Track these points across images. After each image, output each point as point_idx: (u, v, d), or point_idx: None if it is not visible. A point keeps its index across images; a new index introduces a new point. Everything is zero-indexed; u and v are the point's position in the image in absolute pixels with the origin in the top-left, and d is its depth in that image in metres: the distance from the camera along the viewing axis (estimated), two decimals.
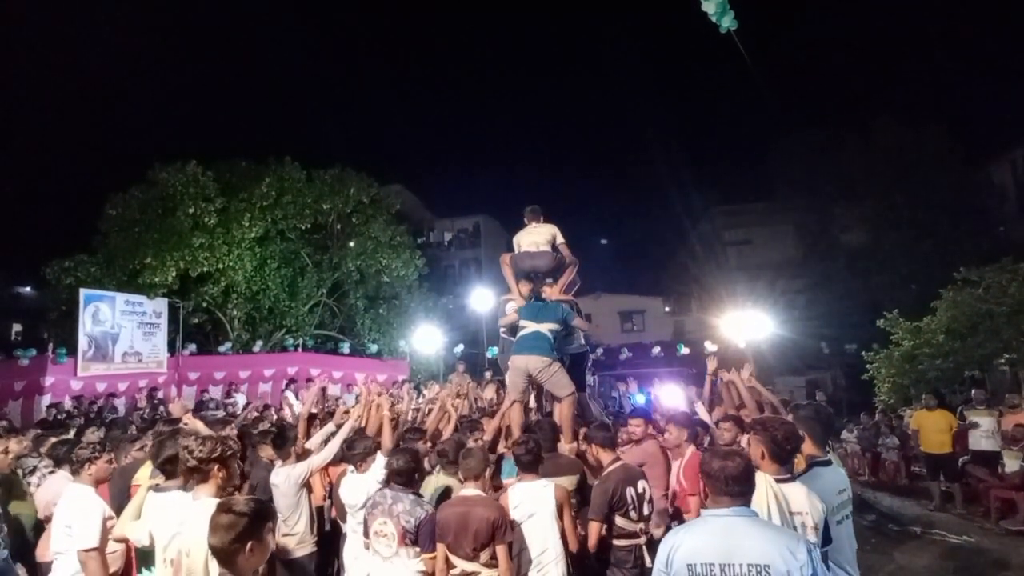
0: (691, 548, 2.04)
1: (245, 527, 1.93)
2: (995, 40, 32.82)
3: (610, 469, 3.56)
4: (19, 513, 3.97)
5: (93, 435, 5.42)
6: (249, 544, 1.94)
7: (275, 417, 7.79)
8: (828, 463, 2.83)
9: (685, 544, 2.07)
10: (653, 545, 3.48)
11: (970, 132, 26.05)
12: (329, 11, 71.71)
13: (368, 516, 3.31)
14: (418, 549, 3.21)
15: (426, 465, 4.32)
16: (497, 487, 3.90)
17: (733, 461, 2.14)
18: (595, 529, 3.41)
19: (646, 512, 3.49)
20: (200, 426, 4.21)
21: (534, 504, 3.32)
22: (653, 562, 3.35)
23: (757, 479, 2.55)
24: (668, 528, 3.57)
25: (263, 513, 2.03)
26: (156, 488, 2.93)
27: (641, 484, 3.49)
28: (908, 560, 6.31)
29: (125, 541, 3.11)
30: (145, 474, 3.58)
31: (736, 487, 2.09)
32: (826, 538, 2.44)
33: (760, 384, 4.70)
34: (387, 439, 4.42)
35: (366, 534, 3.35)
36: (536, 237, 5.86)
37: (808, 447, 2.85)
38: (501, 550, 3.08)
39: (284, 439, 4.26)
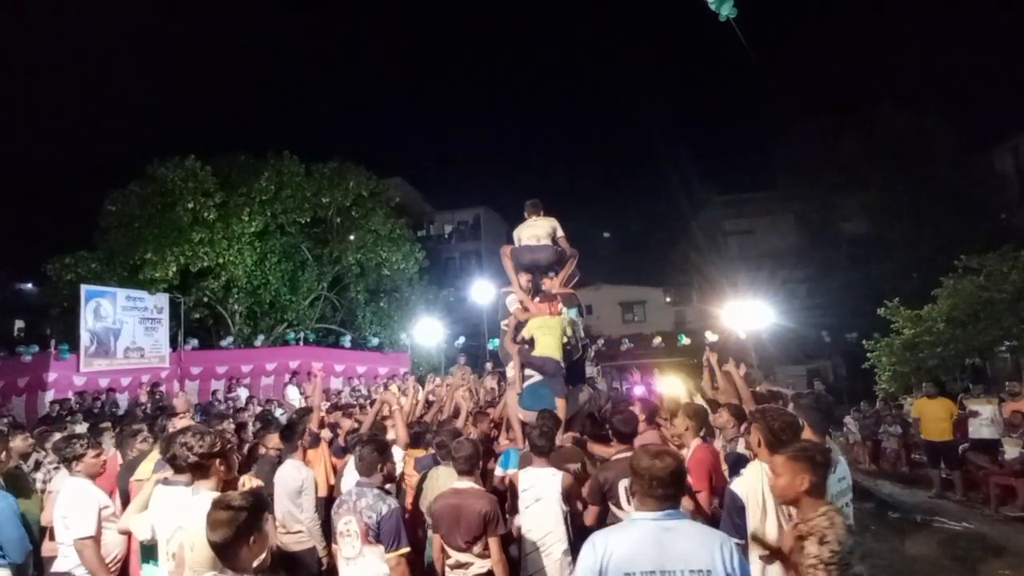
0: (626, 555, 1.89)
1: (244, 522, 1.94)
2: (996, 27, 32.58)
3: (614, 459, 3.60)
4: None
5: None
6: (251, 538, 1.95)
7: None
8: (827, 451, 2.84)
9: (618, 550, 1.90)
10: None
11: (971, 120, 26.03)
12: (327, 4, 71.27)
13: (334, 516, 3.10)
14: (383, 547, 2.91)
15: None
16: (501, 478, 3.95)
17: (662, 461, 1.98)
18: (592, 512, 3.58)
19: None
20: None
21: (542, 489, 3.51)
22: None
23: (753, 467, 2.57)
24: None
25: (260, 505, 2.05)
26: (165, 481, 2.95)
27: None
28: (909, 547, 6.35)
29: (128, 533, 3.14)
30: (147, 468, 3.61)
31: (661, 489, 1.94)
32: None
33: (739, 379, 4.68)
34: (401, 432, 4.44)
35: (333, 538, 3.17)
36: (536, 230, 5.86)
37: (808, 435, 2.86)
38: (493, 542, 3.12)
39: (292, 432, 4.28)
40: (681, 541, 1.88)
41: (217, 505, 1.99)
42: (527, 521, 3.53)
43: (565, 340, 5.29)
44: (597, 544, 1.95)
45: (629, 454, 3.56)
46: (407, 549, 2.91)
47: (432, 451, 4.38)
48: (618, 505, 3.47)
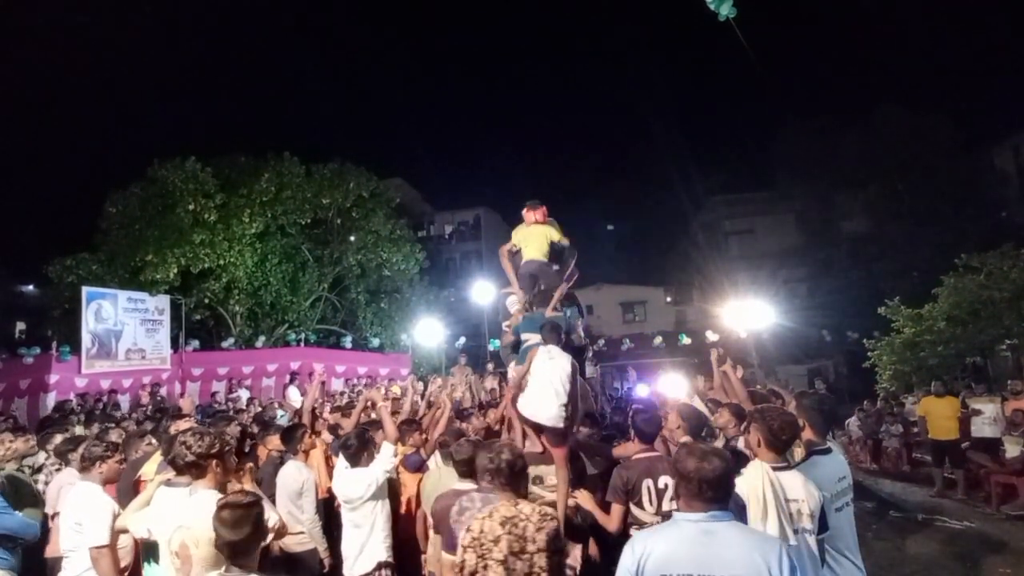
0: (664, 556, 1.82)
1: (256, 519, 1.99)
2: (996, 25, 32.55)
3: (636, 457, 3.54)
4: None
5: (114, 434, 5.40)
6: (263, 534, 2.02)
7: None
8: (828, 451, 2.85)
9: (656, 551, 1.84)
10: None
11: (972, 118, 25.81)
12: (327, 5, 71.33)
13: (454, 523, 2.88)
14: None
15: (431, 464, 4.38)
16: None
17: (710, 463, 1.88)
18: (615, 512, 3.45)
19: (666, 508, 3.34)
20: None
21: (557, 353, 4.01)
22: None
23: (754, 467, 2.57)
24: None
25: (260, 501, 2.12)
26: (167, 483, 2.96)
27: (664, 480, 3.37)
28: (910, 546, 6.36)
29: (126, 532, 3.15)
30: (151, 468, 3.62)
31: (711, 492, 1.86)
32: (823, 525, 2.47)
33: (736, 379, 4.68)
34: (389, 428, 4.46)
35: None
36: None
37: (808, 435, 2.87)
38: None
39: (292, 434, 4.29)
40: (724, 545, 1.79)
41: (228, 506, 2.02)
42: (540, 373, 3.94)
43: (549, 245, 5.44)
44: (636, 546, 1.91)
45: (651, 454, 3.55)
46: None
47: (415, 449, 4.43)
48: (640, 506, 3.39)
